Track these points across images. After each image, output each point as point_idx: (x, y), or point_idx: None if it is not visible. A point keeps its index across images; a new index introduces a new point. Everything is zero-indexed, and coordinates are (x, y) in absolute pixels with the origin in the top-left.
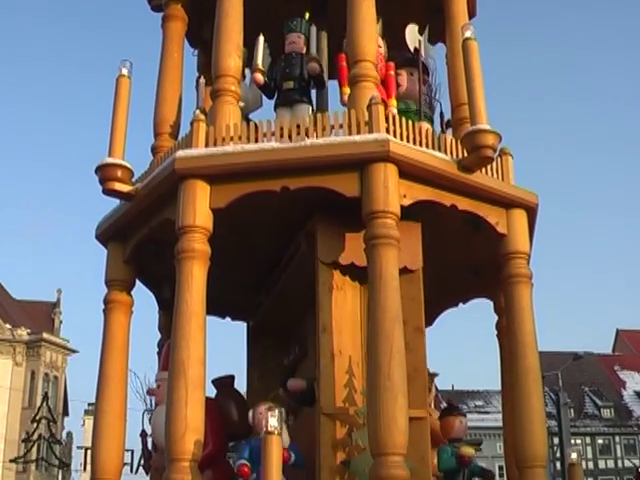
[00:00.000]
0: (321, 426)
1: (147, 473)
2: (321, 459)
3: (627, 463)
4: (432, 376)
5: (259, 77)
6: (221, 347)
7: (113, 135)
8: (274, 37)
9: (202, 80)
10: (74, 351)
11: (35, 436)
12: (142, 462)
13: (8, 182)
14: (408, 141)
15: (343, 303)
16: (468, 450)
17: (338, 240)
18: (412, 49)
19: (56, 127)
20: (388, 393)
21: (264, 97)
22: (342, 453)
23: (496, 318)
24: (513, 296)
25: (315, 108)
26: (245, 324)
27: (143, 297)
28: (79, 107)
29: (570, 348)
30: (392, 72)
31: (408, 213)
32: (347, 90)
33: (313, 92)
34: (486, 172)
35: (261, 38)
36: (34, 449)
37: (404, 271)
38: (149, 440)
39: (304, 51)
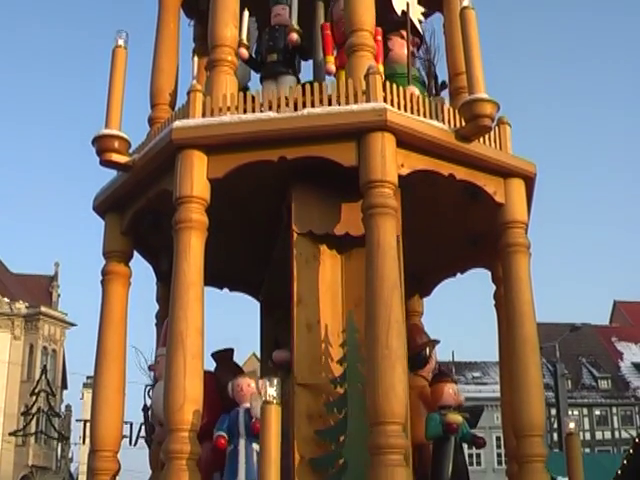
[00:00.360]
0: (295, 396)
1: (149, 446)
2: (295, 429)
3: (624, 434)
4: (433, 343)
5: (243, 52)
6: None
7: (110, 106)
8: (262, 11)
9: (195, 59)
10: (72, 324)
11: (34, 409)
12: (144, 435)
13: (6, 152)
14: (406, 110)
15: (321, 273)
16: (455, 417)
17: (314, 210)
18: (399, 12)
19: (53, 99)
20: (386, 362)
21: (253, 73)
22: (317, 423)
23: (494, 288)
24: (511, 265)
25: (313, 78)
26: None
27: (149, 272)
28: (78, 76)
29: (567, 319)
30: (379, 37)
31: None
32: (331, 59)
33: (309, 63)
34: (484, 141)
35: (246, 12)
36: (33, 422)
37: None
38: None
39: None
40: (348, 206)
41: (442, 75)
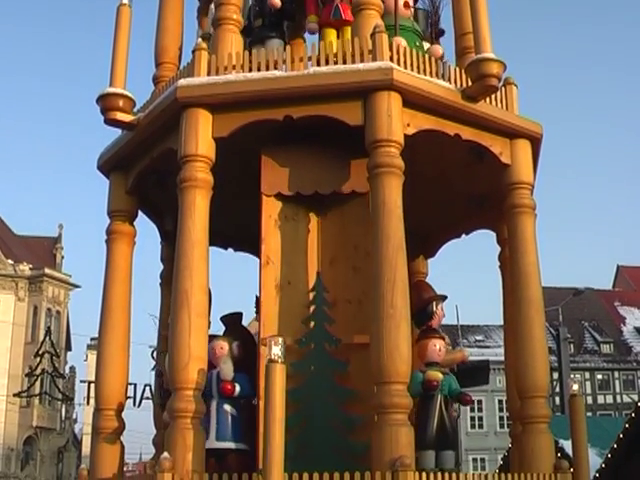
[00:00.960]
0: (262, 357)
1: (163, 410)
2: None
3: (626, 399)
4: (439, 298)
5: None
6: None
7: (114, 65)
8: None
9: (198, 29)
10: (76, 286)
11: (38, 370)
12: (148, 396)
13: (9, 113)
14: (413, 69)
15: (293, 234)
16: (434, 374)
17: (282, 171)
18: None
19: (55, 63)
20: (391, 321)
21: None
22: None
23: (499, 249)
24: (516, 226)
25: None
26: None
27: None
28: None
29: (570, 283)
30: None
31: None
32: (313, 18)
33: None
34: (490, 102)
35: None
36: (37, 383)
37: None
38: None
39: None
40: (319, 166)
41: (447, 25)
